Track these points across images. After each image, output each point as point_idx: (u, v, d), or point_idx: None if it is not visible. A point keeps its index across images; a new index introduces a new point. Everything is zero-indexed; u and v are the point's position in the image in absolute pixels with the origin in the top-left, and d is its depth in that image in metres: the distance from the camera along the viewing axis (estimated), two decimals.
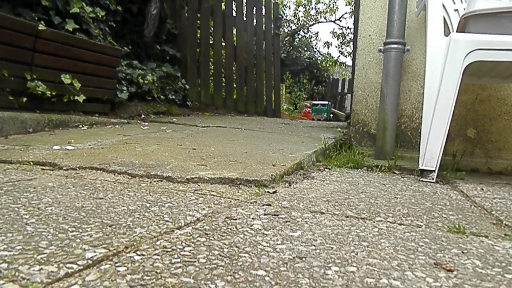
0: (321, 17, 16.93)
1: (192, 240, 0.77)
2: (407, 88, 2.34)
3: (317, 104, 10.20)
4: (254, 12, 6.52)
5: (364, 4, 2.45)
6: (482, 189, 1.57)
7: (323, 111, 9.94)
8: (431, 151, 1.67)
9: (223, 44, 5.86)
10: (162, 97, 4.05)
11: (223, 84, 5.85)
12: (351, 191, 1.36)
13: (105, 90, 3.23)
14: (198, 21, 5.32)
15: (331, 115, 10.47)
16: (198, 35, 5.36)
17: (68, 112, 2.86)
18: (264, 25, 6.74)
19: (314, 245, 0.78)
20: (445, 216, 1.08)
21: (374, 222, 0.98)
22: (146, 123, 3.16)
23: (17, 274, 0.58)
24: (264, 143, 2.29)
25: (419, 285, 0.62)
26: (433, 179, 1.68)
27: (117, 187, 1.21)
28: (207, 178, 1.34)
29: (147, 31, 4.02)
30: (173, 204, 1.05)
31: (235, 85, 6.16)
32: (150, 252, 0.69)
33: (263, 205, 1.08)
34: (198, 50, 5.34)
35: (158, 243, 0.74)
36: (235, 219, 0.93)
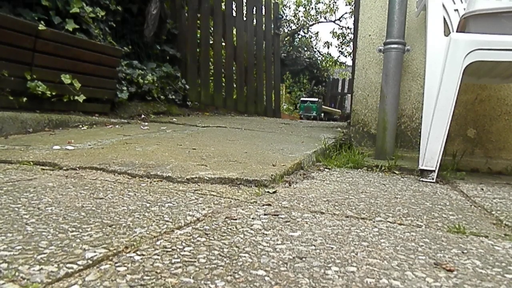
0: (321, 17, 16.93)
1: (192, 240, 0.77)
2: (407, 88, 2.34)
3: (305, 101, 8.54)
4: (254, 12, 6.52)
5: (364, 4, 2.45)
6: (482, 189, 1.57)
7: (312, 109, 8.34)
8: (431, 151, 1.67)
9: (223, 44, 5.86)
10: (162, 97, 4.06)
11: (223, 84, 5.85)
12: (351, 191, 1.36)
13: (105, 90, 3.23)
14: (198, 21, 5.33)
15: (322, 114, 9.09)
16: (198, 35, 5.36)
17: (68, 112, 2.86)
18: (264, 25, 6.75)
19: (314, 245, 0.78)
20: (445, 216, 1.08)
21: (374, 222, 0.98)
22: (146, 123, 3.16)
23: (17, 274, 0.58)
24: (264, 143, 2.29)
25: (419, 285, 0.62)
26: (433, 179, 1.68)
27: (117, 187, 1.21)
28: (207, 178, 1.34)
29: (147, 31, 4.01)
30: (173, 204, 1.05)
31: (235, 85, 6.17)
32: (150, 252, 0.69)
33: (263, 205, 1.08)
34: (198, 50, 5.34)
35: (158, 243, 0.74)
36: (235, 219, 0.93)
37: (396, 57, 2.15)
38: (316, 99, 8.69)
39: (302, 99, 8.70)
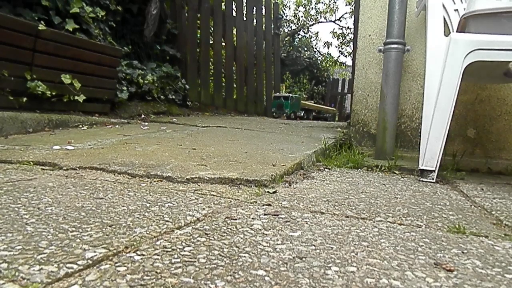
0: (321, 17, 16.93)
1: (192, 240, 0.77)
2: (407, 88, 2.34)
3: (278, 97, 6.91)
4: (254, 12, 6.52)
5: (364, 4, 2.45)
6: (482, 189, 1.57)
7: (285, 106, 6.73)
8: (431, 151, 1.67)
9: (223, 44, 5.86)
10: (162, 97, 4.06)
11: (223, 84, 5.85)
12: (351, 191, 1.36)
13: (105, 90, 3.23)
14: (198, 21, 5.33)
15: (302, 112, 7.25)
16: (198, 35, 5.36)
17: (68, 112, 2.86)
18: (264, 25, 6.75)
19: (314, 245, 0.78)
20: (445, 216, 1.08)
21: (374, 222, 0.98)
22: (146, 123, 3.16)
23: (17, 274, 0.58)
24: (264, 143, 2.29)
25: (419, 285, 0.62)
26: (433, 179, 1.68)
27: (117, 187, 1.21)
28: (207, 178, 1.34)
29: (147, 31, 4.02)
30: (173, 204, 1.05)
31: (235, 85, 6.17)
32: (150, 252, 0.69)
33: (263, 205, 1.08)
34: (198, 50, 5.34)
35: (158, 243, 0.74)
36: (235, 219, 0.93)
37: (396, 57, 2.15)
38: (290, 95, 7.03)
39: (274, 95, 7.02)
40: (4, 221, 0.81)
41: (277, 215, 0.99)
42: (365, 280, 0.63)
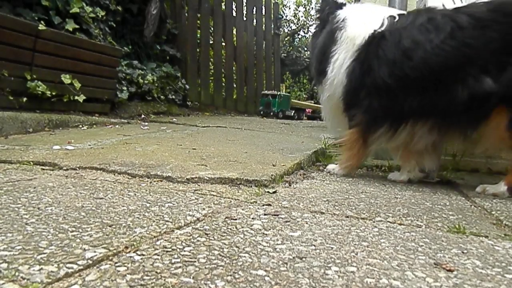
0: None
1: (192, 240, 0.77)
2: None
3: (266, 95, 6.57)
4: (254, 12, 6.53)
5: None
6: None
7: (272, 104, 6.44)
8: None
9: (223, 44, 5.87)
10: (162, 97, 4.06)
11: (223, 84, 5.86)
12: (351, 191, 1.36)
13: (105, 90, 3.23)
14: (198, 21, 5.33)
15: (292, 112, 6.95)
16: (198, 35, 5.37)
17: (68, 112, 2.86)
18: (264, 25, 6.75)
19: (314, 245, 0.78)
20: (445, 216, 1.08)
21: (374, 222, 0.98)
22: (146, 123, 3.16)
23: (17, 274, 0.58)
24: (264, 143, 2.29)
25: (419, 285, 0.62)
26: (433, 179, 1.68)
27: (117, 187, 1.21)
28: (207, 178, 1.34)
29: (147, 31, 4.02)
30: (173, 204, 1.05)
31: (235, 85, 6.17)
32: (150, 252, 0.69)
33: (263, 205, 1.08)
34: (198, 50, 5.34)
35: (158, 243, 0.74)
36: (235, 219, 0.93)
37: None
38: (278, 93, 6.67)
39: (262, 92, 6.66)
40: (4, 221, 0.81)
41: (277, 215, 0.99)
42: (365, 280, 0.63)
